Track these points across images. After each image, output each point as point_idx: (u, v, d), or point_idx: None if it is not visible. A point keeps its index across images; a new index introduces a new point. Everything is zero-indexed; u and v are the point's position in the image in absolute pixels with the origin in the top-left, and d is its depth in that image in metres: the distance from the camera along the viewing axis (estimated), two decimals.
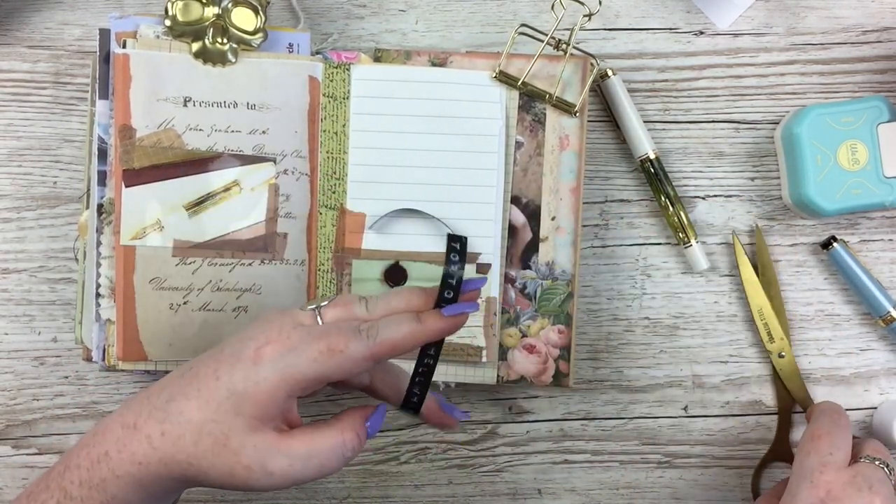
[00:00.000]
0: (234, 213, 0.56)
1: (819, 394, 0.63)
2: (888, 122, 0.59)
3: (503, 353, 0.59)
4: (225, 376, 0.43)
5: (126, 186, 0.55)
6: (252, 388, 0.42)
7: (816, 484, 0.50)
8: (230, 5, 0.56)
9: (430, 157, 0.58)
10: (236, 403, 0.42)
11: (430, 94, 0.58)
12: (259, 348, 0.43)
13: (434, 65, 0.59)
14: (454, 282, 0.45)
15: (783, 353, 0.62)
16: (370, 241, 0.58)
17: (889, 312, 0.61)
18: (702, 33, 0.63)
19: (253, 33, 0.56)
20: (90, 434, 0.45)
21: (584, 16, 0.58)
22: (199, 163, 0.56)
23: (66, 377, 0.61)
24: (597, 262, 0.63)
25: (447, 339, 0.58)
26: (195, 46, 0.56)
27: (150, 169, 0.55)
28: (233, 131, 0.56)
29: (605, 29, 0.63)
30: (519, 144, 0.59)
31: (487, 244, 0.58)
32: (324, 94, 0.58)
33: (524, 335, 0.59)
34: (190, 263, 0.55)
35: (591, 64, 0.59)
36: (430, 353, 0.46)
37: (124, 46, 0.55)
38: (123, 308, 0.55)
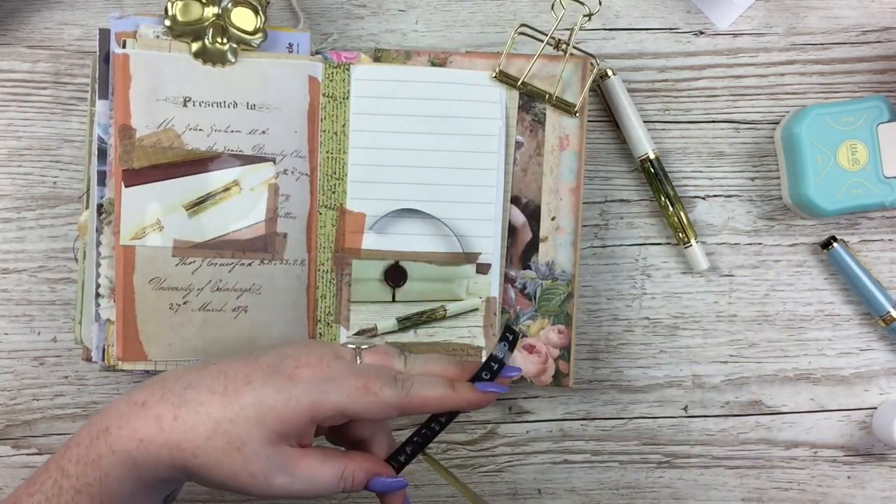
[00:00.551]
0: (234, 213, 0.56)
1: (819, 394, 0.63)
2: (888, 122, 0.59)
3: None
4: (257, 384, 0.43)
5: (126, 186, 0.55)
6: (282, 403, 0.42)
7: None
8: (230, 5, 0.56)
9: (430, 157, 0.58)
10: (261, 413, 0.42)
11: (430, 94, 0.58)
12: (298, 367, 0.44)
13: (434, 65, 0.59)
14: (496, 365, 0.46)
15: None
16: (370, 241, 0.58)
17: (889, 312, 0.61)
18: (702, 33, 0.63)
19: (253, 33, 0.56)
20: (95, 413, 0.45)
21: (584, 16, 0.58)
22: (198, 163, 0.56)
23: (66, 377, 0.61)
24: (597, 262, 0.63)
25: (448, 339, 0.58)
26: (195, 46, 0.56)
27: (149, 169, 0.55)
28: (233, 131, 0.56)
29: (605, 29, 0.63)
30: (519, 144, 0.59)
31: (487, 244, 0.58)
32: (324, 94, 0.58)
33: (524, 335, 0.59)
34: (190, 263, 0.55)
35: (591, 64, 0.59)
36: (440, 419, 0.47)
37: (124, 46, 0.55)
38: (123, 308, 0.55)
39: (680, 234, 0.61)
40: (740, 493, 0.63)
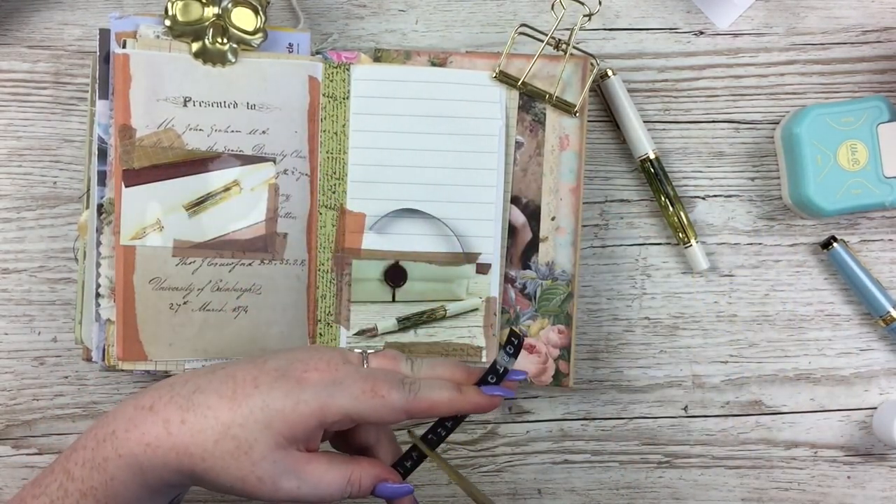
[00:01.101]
0: (234, 213, 0.56)
1: (819, 394, 0.63)
2: (888, 122, 0.59)
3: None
4: (265, 387, 0.43)
5: (126, 186, 0.55)
6: (290, 407, 0.42)
7: None
8: (230, 5, 0.56)
9: (430, 157, 0.58)
10: (269, 417, 0.42)
11: (430, 94, 0.58)
12: (306, 371, 0.44)
13: (434, 65, 0.59)
14: (501, 370, 0.46)
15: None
16: (370, 241, 0.58)
17: (889, 312, 0.61)
18: (702, 33, 0.63)
19: (253, 33, 0.56)
20: (102, 416, 0.45)
21: (584, 16, 0.58)
22: (199, 163, 0.56)
23: (66, 377, 0.61)
24: (597, 262, 0.63)
25: (448, 339, 0.58)
26: (195, 46, 0.56)
27: (150, 169, 0.55)
28: (233, 131, 0.56)
29: (605, 29, 0.63)
30: (519, 144, 0.59)
31: (487, 244, 0.58)
32: (324, 94, 0.58)
33: (524, 335, 0.59)
34: (190, 263, 0.55)
35: (591, 64, 0.59)
36: (446, 424, 0.47)
37: (124, 46, 0.55)
38: (123, 308, 0.55)
39: (680, 234, 0.61)
40: (740, 493, 0.63)
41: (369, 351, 0.47)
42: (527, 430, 0.62)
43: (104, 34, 0.56)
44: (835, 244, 0.61)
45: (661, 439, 0.62)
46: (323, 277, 0.58)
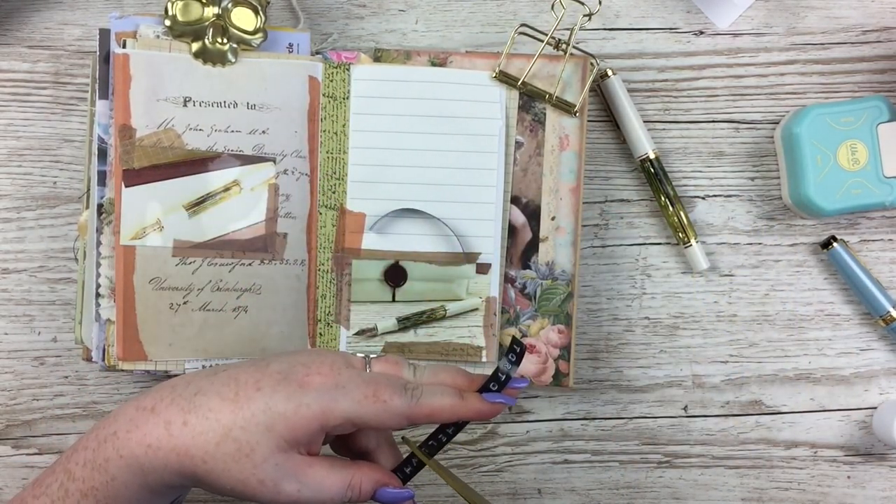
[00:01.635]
0: (234, 213, 0.56)
1: (819, 394, 0.63)
2: (888, 122, 0.59)
3: (503, 352, 0.59)
4: (267, 390, 0.43)
5: (126, 186, 0.55)
6: (292, 410, 0.42)
7: None
8: (230, 5, 0.56)
9: (430, 157, 0.58)
10: (271, 419, 0.42)
11: (430, 94, 0.58)
12: (308, 375, 0.44)
13: (434, 65, 0.59)
14: (503, 377, 0.46)
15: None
16: (370, 241, 0.58)
17: (889, 312, 0.61)
18: (702, 33, 0.63)
19: (253, 33, 0.56)
20: (103, 417, 0.45)
21: (584, 16, 0.58)
22: (199, 163, 0.56)
23: (66, 377, 0.61)
24: (597, 262, 0.63)
25: (448, 339, 0.58)
26: (195, 46, 0.56)
27: (150, 169, 0.55)
28: (233, 131, 0.56)
29: (605, 29, 0.63)
30: (519, 144, 0.59)
31: (487, 244, 0.58)
32: (324, 94, 0.58)
33: (524, 335, 0.59)
34: (190, 263, 0.55)
35: (591, 64, 0.59)
36: (448, 431, 0.47)
37: (124, 46, 0.55)
38: (123, 308, 0.55)
39: (680, 234, 0.61)
40: (740, 493, 0.63)
41: (371, 356, 0.47)
42: (527, 430, 0.62)
43: (104, 34, 0.56)
44: (835, 244, 0.61)
45: (661, 439, 0.62)
46: (323, 277, 0.58)
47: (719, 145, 0.63)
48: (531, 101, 0.59)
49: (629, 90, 0.62)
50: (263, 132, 0.56)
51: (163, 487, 0.44)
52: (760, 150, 0.63)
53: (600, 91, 0.62)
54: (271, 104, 0.57)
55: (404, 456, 0.48)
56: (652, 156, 0.61)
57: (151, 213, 0.55)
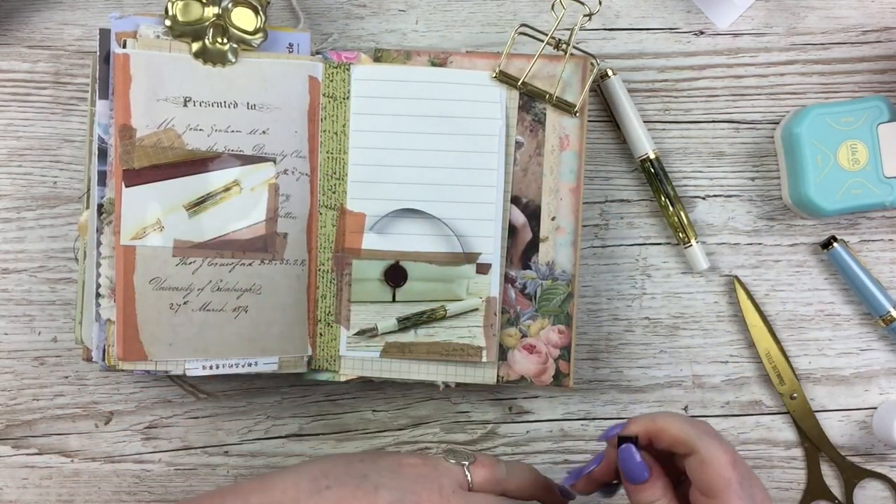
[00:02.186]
0: (234, 213, 0.56)
1: (819, 394, 0.63)
2: (888, 122, 0.59)
3: (503, 353, 0.59)
4: None
5: (126, 186, 0.55)
6: None
7: None
8: (230, 5, 0.56)
9: (430, 157, 0.58)
10: None
11: (430, 94, 0.58)
12: None
13: (434, 65, 0.59)
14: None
15: (794, 395, 0.62)
16: (370, 241, 0.58)
17: (889, 312, 0.61)
18: (702, 33, 0.63)
19: (253, 33, 0.56)
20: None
21: (584, 16, 0.58)
22: (199, 163, 0.56)
23: (66, 377, 0.61)
24: (597, 262, 0.63)
25: (448, 339, 0.58)
26: (195, 46, 0.56)
27: (150, 169, 0.55)
28: (233, 131, 0.56)
29: (605, 29, 0.63)
30: (519, 144, 0.59)
31: (487, 244, 0.58)
32: (324, 94, 0.58)
33: (524, 335, 0.59)
34: (190, 263, 0.55)
35: (591, 64, 0.59)
36: None
37: (124, 46, 0.55)
38: (123, 308, 0.55)
39: (680, 234, 0.61)
40: None
41: (465, 462, 0.48)
42: (527, 430, 0.62)
43: (104, 34, 0.56)
44: (835, 244, 0.61)
45: None
46: (323, 277, 0.58)
47: (719, 145, 0.63)
48: (531, 101, 0.59)
49: (629, 90, 0.62)
50: (263, 132, 0.56)
51: None
52: (760, 150, 0.63)
53: (600, 91, 0.62)
54: (271, 104, 0.57)
55: None
56: (652, 156, 0.61)
57: (151, 213, 0.55)
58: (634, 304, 0.63)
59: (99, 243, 0.56)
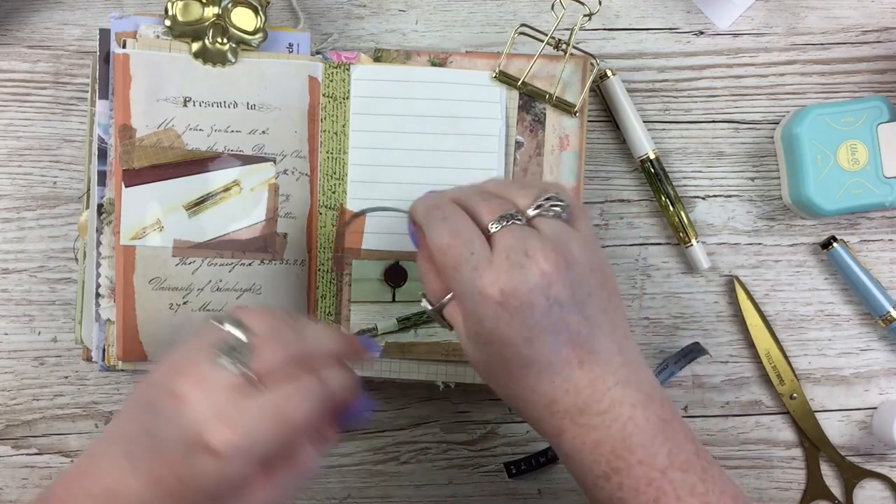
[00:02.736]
0: (234, 213, 0.56)
1: (819, 394, 0.63)
2: (888, 122, 0.59)
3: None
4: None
5: (126, 186, 0.55)
6: None
7: (484, 293, 0.43)
8: (230, 5, 0.56)
9: (430, 157, 0.58)
10: None
11: (429, 94, 0.58)
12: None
13: (434, 65, 0.59)
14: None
15: (794, 395, 0.62)
16: (370, 241, 0.58)
17: (889, 312, 0.61)
18: (702, 33, 0.63)
19: (253, 33, 0.56)
20: None
21: (584, 16, 0.58)
22: (199, 163, 0.56)
23: (66, 377, 0.61)
24: None
25: (448, 339, 0.58)
26: (195, 46, 0.56)
27: (150, 169, 0.55)
28: (233, 131, 0.56)
29: (605, 29, 0.63)
30: (519, 144, 0.59)
31: None
32: (324, 94, 0.58)
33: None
34: (190, 263, 0.55)
35: (591, 64, 0.59)
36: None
37: (124, 46, 0.55)
38: (123, 308, 0.55)
39: (680, 234, 0.61)
40: None
41: (241, 361, 0.43)
42: (527, 430, 0.62)
43: (104, 34, 0.56)
44: (835, 244, 0.61)
45: None
46: (323, 277, 0.58)
47: (719, 145, 0.63)
48: (531, 101, 0.59)
49: (629, 90, 0.62)
50: (263, 132, 0.56)
51: None
52: (760, 150, 0.63)
53: (600, 91, 0.62)
54: (271, 104, 0.57)
55: None
56: (652, 156, 0.61)
57: (151, 213, 0.55)
58: (634, 304, 0.63)
59: (99, 243, 0.56)
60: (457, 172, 0.58)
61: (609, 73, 0.61)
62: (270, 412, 0.42)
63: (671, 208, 0.61)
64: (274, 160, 0.57)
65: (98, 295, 0.56)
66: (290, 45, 0.58)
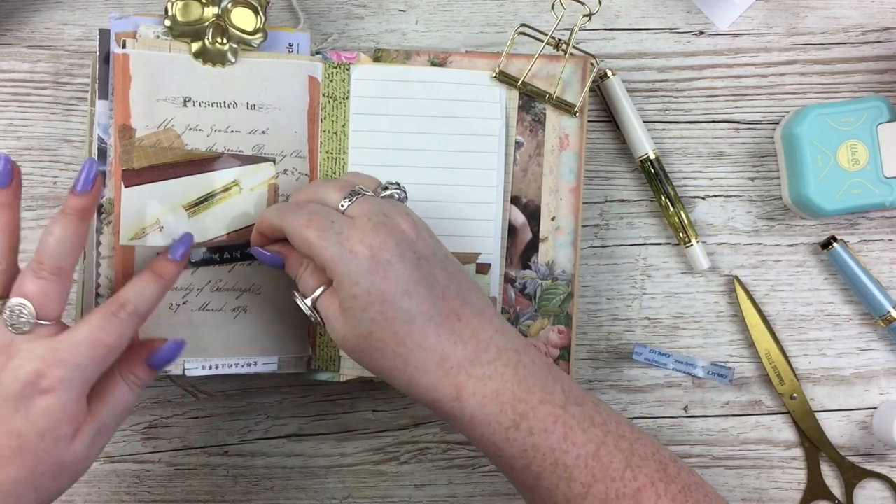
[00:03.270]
0: (234, 213, 0.56)
1: (819, 394, 0.63)
2: (888, 122, 0.59)
3: None
4: None
5: (126, 186, 0.55)
6: None
7: (354, 251, 0.45)
8: (230, 5, 0.56)
9: (430, 157, 0.58)
10: None
11: (430, 94, 0.58)
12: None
13: (434, 65, 0.59)
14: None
15: (794, 395, 0.62)
16: None
17: (889, 312, 0.61)
18: (702, 33, 0.63)
19: (253, 33, 0.56)
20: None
21: (584, 16, 0.58)
22: (198, 163, 0.56)
23: None
24: (597, 262, 0.63)
25: None
26: (195, 46, 0.56)
27: (149, 169, 0.55)
28: (233, 131, 0.56)
29: (605, 29, 0.63)
30: (519, 144, 0.59)
31: (487, 244, 0.58)
32: (323, 94, 0.58)
33: (524, 335, 0.59)
34: (189, 263, 0.55)
35: (591, 64, 0.59)
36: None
37: (124, 46, 0.55)
38: None
39: (680, 234, 0.61)
40: (740, 493, 0.63)
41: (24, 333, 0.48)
42: None
43: (104, 34, 0.56)
44: (835, 244, 0.61)
45: (661, 439, 0.62)
46: None
47: (719, 145, 0.63)
48: (531, 101, 0.59)
49: (629, 90, 0.62)
50: (263, 132, 0.56)
51: None
52: (760, 150, 0.63)
53: (600, 91, 0.62)
54: (271, 104, 0.57)
55: None
56: (652, 156, 0.61)
57: (151, 213, 0.55)
58: (634, 304, 0.63)
59: (98, 243, 0.56)
60: (457, 172, 0.58)
61: (609, 73, 0.61)
62: (85, 339, 0.46)
63: (671, 208, 0.61)
64: (274, 160, 0.57)
65: (98, 295, 0.56)
66: (290, 45, 0.58)
